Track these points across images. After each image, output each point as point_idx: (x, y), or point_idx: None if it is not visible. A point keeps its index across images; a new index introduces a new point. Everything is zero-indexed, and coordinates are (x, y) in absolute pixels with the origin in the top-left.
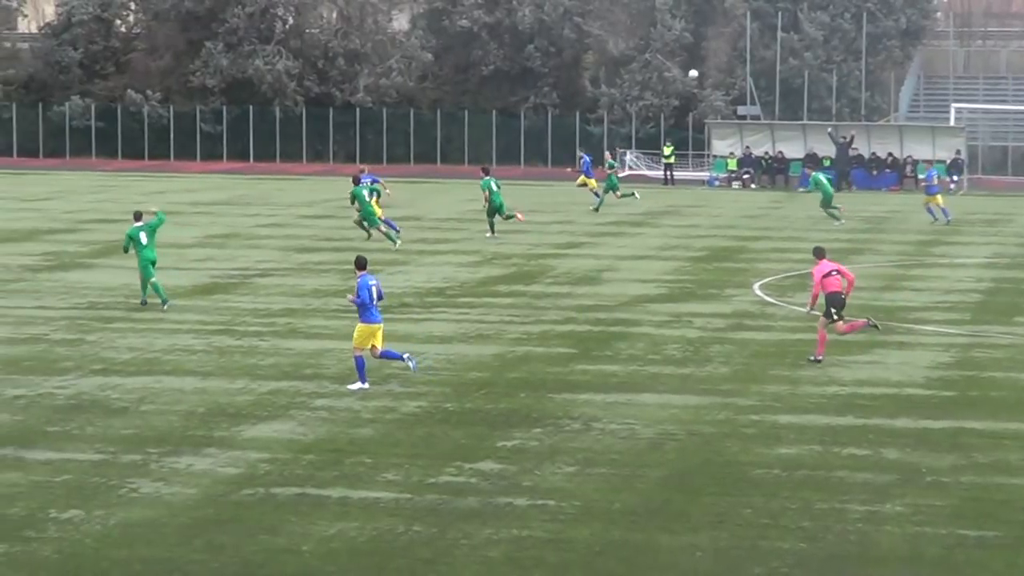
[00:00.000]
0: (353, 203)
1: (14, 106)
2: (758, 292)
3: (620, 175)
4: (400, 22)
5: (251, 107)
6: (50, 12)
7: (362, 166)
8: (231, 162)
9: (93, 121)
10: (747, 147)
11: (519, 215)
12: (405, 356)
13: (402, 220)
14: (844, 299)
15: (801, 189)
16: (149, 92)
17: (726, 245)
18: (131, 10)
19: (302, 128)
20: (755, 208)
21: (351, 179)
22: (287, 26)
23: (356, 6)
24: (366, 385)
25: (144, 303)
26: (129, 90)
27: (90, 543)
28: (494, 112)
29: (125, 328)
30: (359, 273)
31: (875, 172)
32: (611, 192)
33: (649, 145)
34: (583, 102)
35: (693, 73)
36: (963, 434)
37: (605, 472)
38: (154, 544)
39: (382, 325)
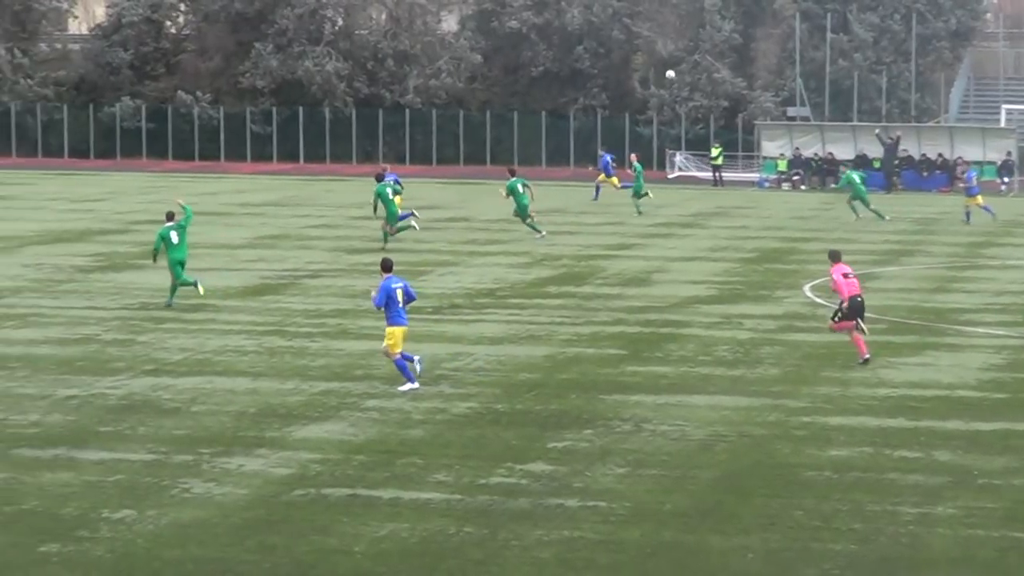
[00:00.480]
0: (377, 204)
1: (65, 107)
2: (808, 293)
3: (670, 176)
4: (449, 23)
5: (301, 108)
6: (100, 13)
7: (384, 164)
8: (281, 163)
9: (144, 122)
10: (797, 148)
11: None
12: (411, 384)
13: (452, 221)
14: (861, 300)
15: (833, 186)
16: (199, 93)
17: (776, 246)
18: (181, 11)
19: (352, 129)
20: (805, 209)
21: (374, 177)
22: (336, 27)
23: (405, 7)
24: (416, 384)
25: (170, 304)
26: (179, 91)
27: (142, 543)
28: (543, 113)
29: (176, 329)
30: (384, 275)
31: (925, 173)
32: (635, 194)
33: (699, 146)
34: (632, 103)
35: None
36: (1015, 436)
37: (656, 473)
38: (206, 544)
39: (407, 328)
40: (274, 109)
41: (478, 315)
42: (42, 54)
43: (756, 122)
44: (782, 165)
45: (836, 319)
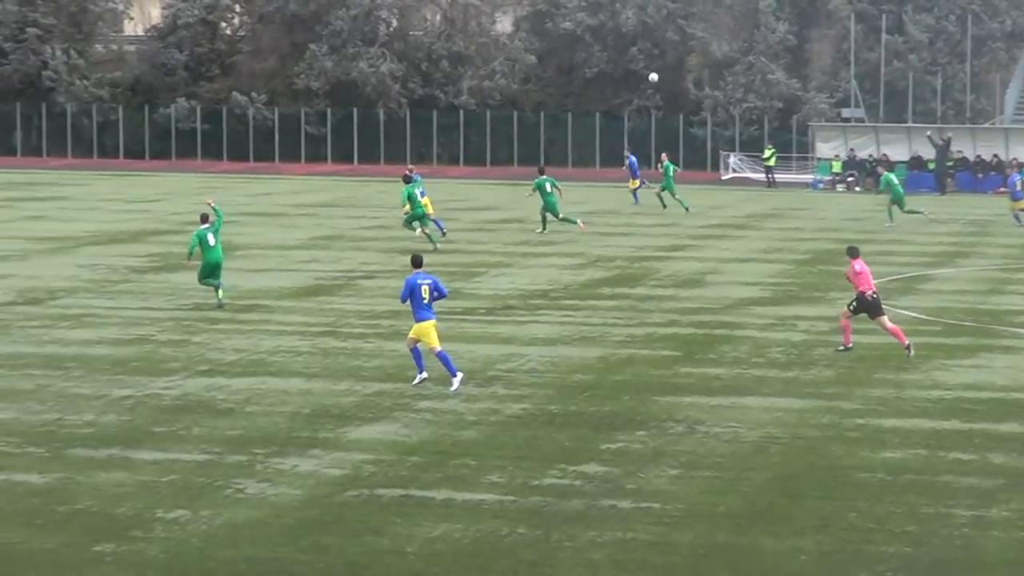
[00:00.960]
0: (405, 204)
1: (120, 108)
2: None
3: (724, 178)
4: (503, 24)
5: (355, 109)
6: (156, 15)
7: (410, 166)
8: (335, 164)
9: (199, 123)
10: (851, 150)
11: (581, 224)
12: (457, 376)
13: (506, 223)
14: (876, 298)
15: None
16: (254, 94)
17: (830, 248)
18: (236, 12)
19: (406, 130)
20: (859, 211)
21: (402, 178)
22: (391, 28)
23: (460, 8)
24: (424, 375)
25: (221, 305)
26: (234, 92)
27: (196, 543)
28: (597, 115)
29: (230, 329)
30: (413, 271)
31: (980, 175)
32: (668, 192)
33: (753, 148)
34: (687, 105)
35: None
36: None
37: (709, 475)
38: (259, 544)
39: (434, 322)
40: (328, 110)
41: (532, 316)
42: (98, 55)
43: (810, 123)
44: (836, 166)
45: (850, 308)
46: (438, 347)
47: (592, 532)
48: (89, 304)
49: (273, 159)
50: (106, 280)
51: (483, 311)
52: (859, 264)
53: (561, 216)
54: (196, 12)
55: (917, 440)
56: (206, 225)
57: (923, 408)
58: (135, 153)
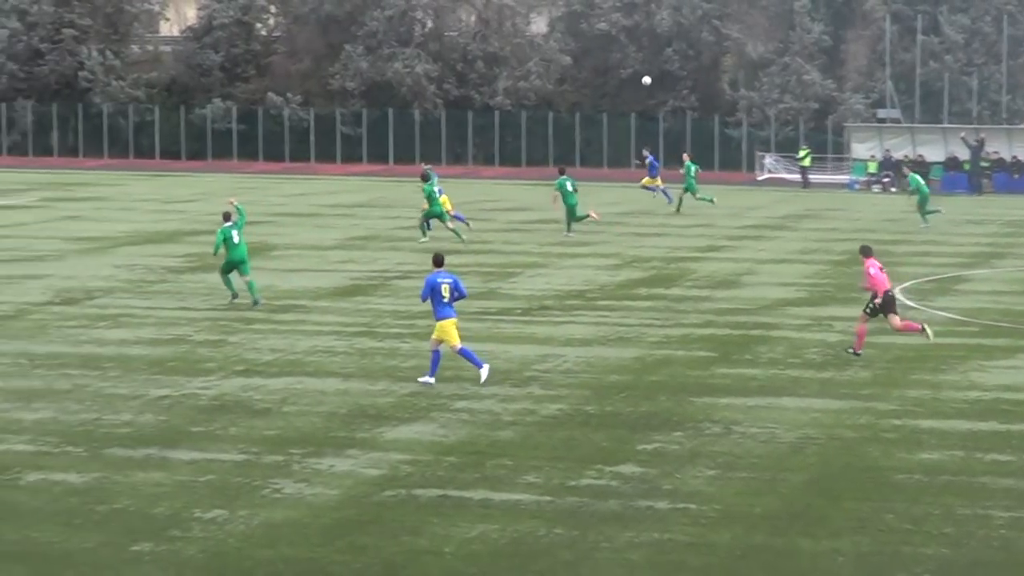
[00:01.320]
0: (426, 201)
1: (156, 109)
2: (899, 296)
3: (760, 178)
4: (538, 25)
5: (391, 110)
6: (192, 16)
7: (426, 164)
8: (371, 164)
9: (234, 123)
10: (887, 150)
11: (593, 213)
12: (483, 368)
13: (542, 223)
14: (892, 296)
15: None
16: (289, 95)
17: None
18: (271, 13)
19: (441, 131)
20: (895, 211)
21: (420, 177)
22: (426, 29)
23: (495, 9)
24: (431, 380)
25: (235, 295)
26: (270, 93)
27: (234, 543)
28: (633, 115)
29: (267, 329)
30: (433, 270)
31: (1016, 176)
32: (689, 193)
33: (788, 148)
34: (722, 105)
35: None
36: None
37: (746, 476)
38: (297, 544)
39: (455, 320)
40: (364, 111)
41: (568, 317)
42: (134, 56)
43: (846, 124)
44: (872, 167)
45: (867, 311)
46: (459, 344)
47: (629, 533)
48: (126, 304)
49: (309, 159)
50: (143, 280)
51: (519, 312)
52: (874, 263)
53: (578, 215)
54: (232, 13)
55: (954, 441)
56: (229, 223)
57: (960, 409)
58: (171, 153)
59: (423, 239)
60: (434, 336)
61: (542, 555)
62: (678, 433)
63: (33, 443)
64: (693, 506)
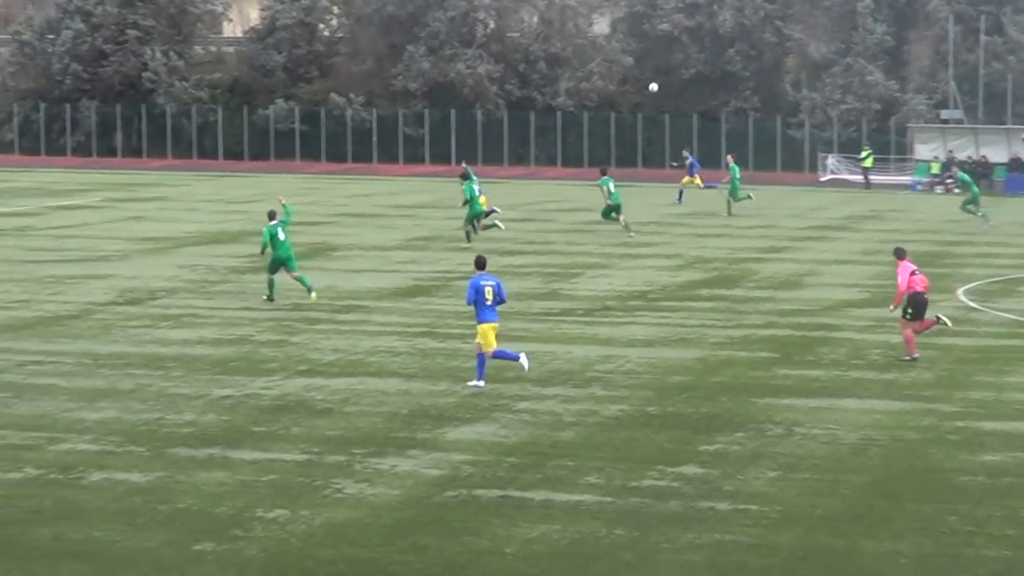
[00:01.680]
0: (467, 201)
1: (220, 109)
2: (962, 297)
3: (822, 179)
4: (600, 26)
5: (453, 110)
6: (255, 17)
7: (465, 164)
8: (433, 165)
9: (297, 124)
10: (950, 151)
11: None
12: (520, 356)
13: (604, 224)
14: (926, 299)
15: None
16: (352, 95)
17: (929, 250)
18: (334, 14)
19: (503, 131)
20: (958, 213)
21: (460, 176)
22: (488, 30)
23: (557, 10)
24: (481, 384)
25: (271, 299)
26: (332, 93)
27: (295, 542)
28: (695, 116)
29: (329, 330)
30: (476, 272)
31: None
32: (731, 194)
33: (851, 149)
34: (784, 106)
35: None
36: None
37: (807, 477)
38: (358, 544)
39: (496, 324)
40: (426, 111)
41: (629, 317)
42: (197, 57)
43: (909, 125)
44: (935, 168)
45: (907, 316)
46: (495, 347)
47: (690, 534)
48: (189, 304)
49: (371, 160)
50: (206, 280)
51: (581, 312)
52: (907, 266)
53: (612, 216)
54: (294, 14)
55: (1017, 443)
56: (274, 221)
57: (1023, 411)
58: (234, 154)
59: (467, 243)
60: (479, 339)
61: (603, 556)
62: (740, 434)
63: (96, 443)
64: (754, 507)
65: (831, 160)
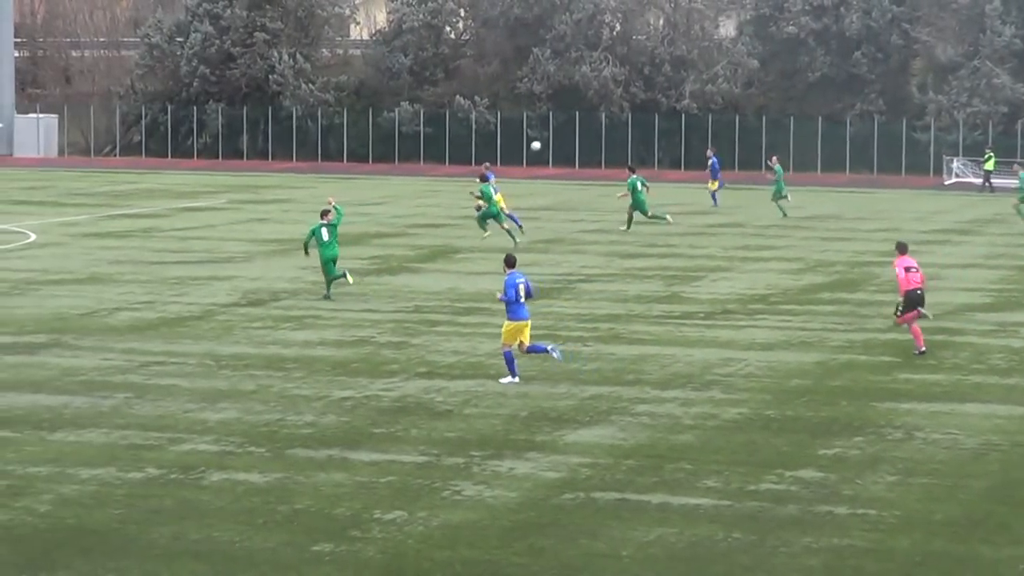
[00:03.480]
0: (482, 200)
1: (345, 112)
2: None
3: (947, 183)
4: (727, 28)
5: (577, 113)
6: (381, 19)
7: (487, 164)
8: (557, 168)
9: (422, 127)
10: None
11: (669, 218)
12: (549, 347)
13: (726, 227)
14: (922, 294)
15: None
16: (477, 98)
17: None
18: (460, 17)
19: (627, 134)
20: None
21: (478, 177)
22: (614, 33)
23: (683, 13)
24: (516, 379)
25: (329, 297)
26: (457, 96)
27: (413, 544)
28: (819, 119)
29: (450, 332)
30: (507, 271)
31: None
32: (780, 197)
33: (977, 153)
34: (910, 109)
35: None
36: None
37: (927, 482)
38: (475, 546)
39: (529, 322)
40: (551, 114)
41: (750, 321)
42: (323, 59)
43: None
44: None
45: (898, 312)
46: (528, 344)
47: (808, 538)
48: (311, 306)
49: (495, 163)
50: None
51: (702, 315)
52: (904, 261)
53: (650, 214)
54: (421, 16)
55: None
56: (323, 221)
57: None
58: (359, 156)
59: (485, 234)
60: (506, 339)
61: (719, 559)
62: (859, 438)
63: (217, 443)
64: (872, 512)
65: (956, 163)
